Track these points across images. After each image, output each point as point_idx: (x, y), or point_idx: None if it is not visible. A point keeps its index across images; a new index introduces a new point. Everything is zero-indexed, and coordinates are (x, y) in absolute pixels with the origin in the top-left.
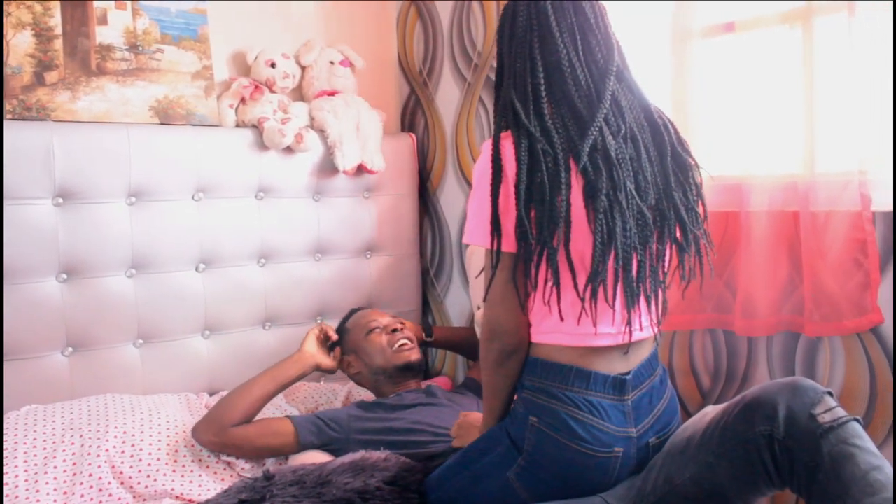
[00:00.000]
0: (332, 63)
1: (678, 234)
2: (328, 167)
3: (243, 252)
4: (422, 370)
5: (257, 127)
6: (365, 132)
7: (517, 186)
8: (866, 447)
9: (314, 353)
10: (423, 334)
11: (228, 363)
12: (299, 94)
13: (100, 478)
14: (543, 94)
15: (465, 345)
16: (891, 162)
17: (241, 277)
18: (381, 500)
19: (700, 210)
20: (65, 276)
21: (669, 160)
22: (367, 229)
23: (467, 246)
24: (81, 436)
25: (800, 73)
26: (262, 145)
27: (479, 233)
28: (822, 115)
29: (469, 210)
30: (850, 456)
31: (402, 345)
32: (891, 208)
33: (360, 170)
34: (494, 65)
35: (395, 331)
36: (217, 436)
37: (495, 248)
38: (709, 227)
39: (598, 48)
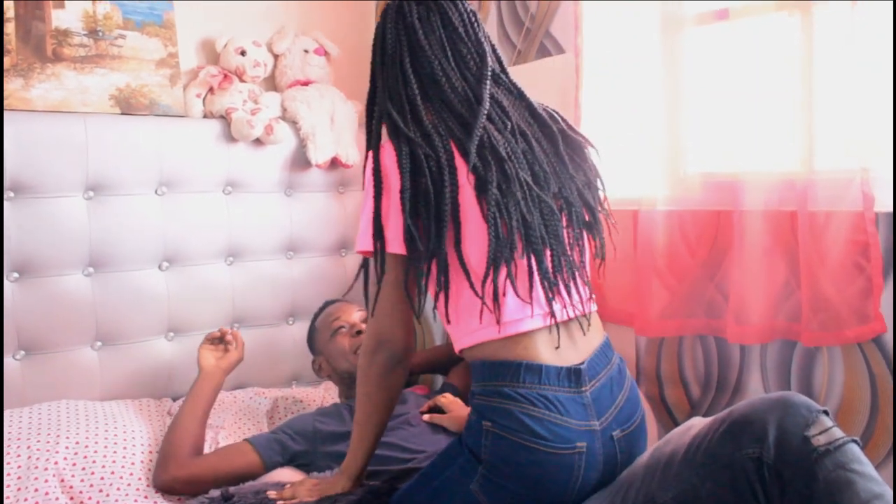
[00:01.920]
0: (305, 51)
1: (586, 216)
2: (300, 160)
3: (210, 249)
4: None
5: (225, 118)
6: (339, 124)
7: (402, 194)
8: (867, 473)
9: (214, 363)
10: None
11: (192, 367)
12: (271, 83)
13: (46, 493)
14: (419, 102)
15: (447, 361)
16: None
17: (208, 276)
18: None
19: (599, 185)
20: (16, 274)
21: (562, 147)
22: (342, 226)
23: None
24: (29, 447)
25: (798, 64)
26: (230, 137)
27: (367, 240)
28: (823, 109)
29: (361, 219)
30: (849, 483)
31: None
32: (894, 209)
33: (335, 163)
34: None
35: (359, 332)
36: (180, 469)
37: (378, 250)
38: (608, 204)
39: (470, 55)
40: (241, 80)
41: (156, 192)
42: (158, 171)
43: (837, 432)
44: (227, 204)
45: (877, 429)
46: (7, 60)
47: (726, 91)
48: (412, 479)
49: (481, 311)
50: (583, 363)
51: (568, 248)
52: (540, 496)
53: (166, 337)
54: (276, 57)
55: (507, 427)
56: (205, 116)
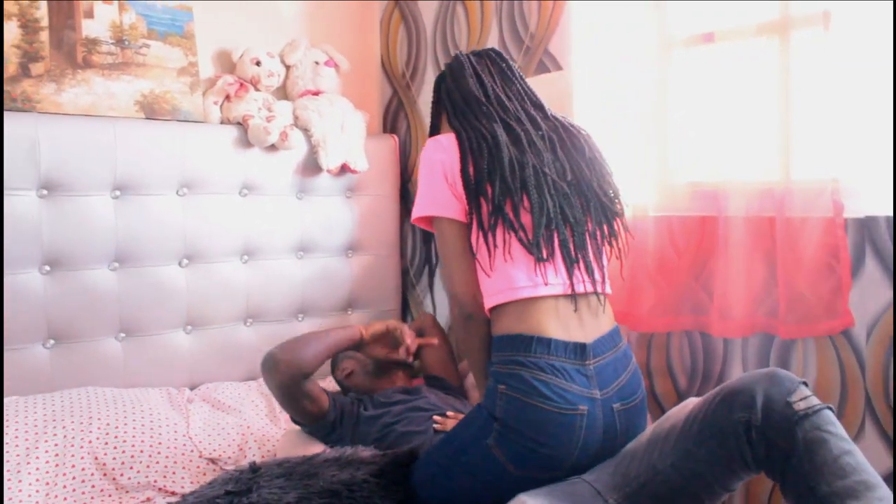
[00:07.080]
0: (316, 63)
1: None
2: (312, 166)
3: (226, 248)
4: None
5: (242, 124)
6: (349, 132)
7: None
8: (838, 433)
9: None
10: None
11: (209, 358)
12: (283, 92)
13: (83, 469)
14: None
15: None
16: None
17: (224, 273)
18: (368, 491)
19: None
20: (48, 267)
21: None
22: (349, 229)
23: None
24: (64, 427)
25: (776, 83)
26: (246, 142)
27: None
28: (798, 125)
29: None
30: (823, 441)
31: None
32: (861, 215)
33: (344, 169)
34: None
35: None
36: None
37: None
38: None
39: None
40: (256, 89)
41: (177, 192)
42: (180, 172)
43: (814, 399)
44: (242, 205)
45: (846, 412)
46: (41, 66)
47: (711, 107)
48: (434, 444)
49: (535, 267)
50: (588, 342)
51: (588, 234)
52: (546, 450)
53: (185, 330)
54: (287, 67)
55: (518, 388)
56: (222, 122)
